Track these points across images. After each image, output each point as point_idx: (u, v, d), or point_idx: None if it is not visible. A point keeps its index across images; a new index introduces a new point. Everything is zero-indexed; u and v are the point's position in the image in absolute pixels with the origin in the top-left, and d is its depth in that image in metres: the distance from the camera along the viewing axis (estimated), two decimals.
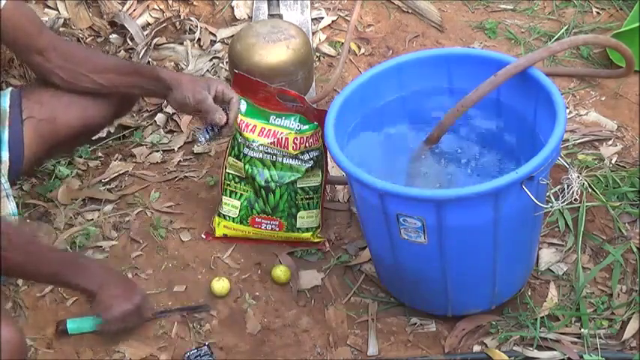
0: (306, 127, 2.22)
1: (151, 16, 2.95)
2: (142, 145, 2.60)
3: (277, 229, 2.29)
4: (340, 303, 2.20)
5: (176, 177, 2.51)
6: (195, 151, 2.58)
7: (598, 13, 2.95)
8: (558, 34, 2.86)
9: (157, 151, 2.59)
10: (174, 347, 2.11)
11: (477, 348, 2.07)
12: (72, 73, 2.10)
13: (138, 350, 2.09)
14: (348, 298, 2.21)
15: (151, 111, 2.69)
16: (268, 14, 2.70)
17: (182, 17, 2.94)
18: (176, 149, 2.59)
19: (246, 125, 2.22)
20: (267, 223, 2.29)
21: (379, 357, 2.09)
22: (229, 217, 2.30)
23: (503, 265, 1.99)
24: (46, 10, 2.86)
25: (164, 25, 2.89)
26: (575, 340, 2.06)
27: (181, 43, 2.89)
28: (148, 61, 2.77)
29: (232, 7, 2.97)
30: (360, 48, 2.88)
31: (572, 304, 2.13)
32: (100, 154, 2.58)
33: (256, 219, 2.29)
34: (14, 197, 2.06)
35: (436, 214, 1.84)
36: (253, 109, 2.23)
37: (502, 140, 2.10)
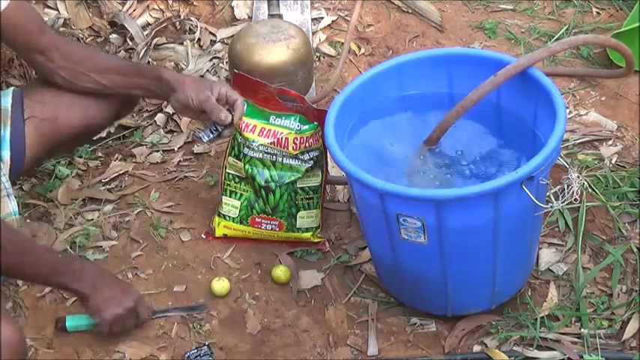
0: (306, 127, 2.22)
1: (151, 16, 2.95)
2: (142, 145, 2.60)
3: (277, 229, 2.29)
4: (340, 303, 2.20)
5: (176, 177, 2.51)
6: (195, 151, 2.58)
7: (598, 13, 2.95)
8: (558, 34, 2.86)
9: (157, 151, 2.59)
10: (174, 347, 2.11)
11: (477, 348, 2.07)
12: (74, 73, 2.10)
13: (138, 350, 2.09)
14: (348, 298, 2.21)
15: (151, 111, 2.69)
16: (268, 14, 2.70)
17: (182, 17, 2.94)
18: (176, 149, 2.59)
19: (246, 125, 2.22)
20: (267, 223, 2.29)
21: (379, 357, 2.09)
22: (229, 217, 2.30)
23: (503, 265, 1.99)
24: (46, 10, 2.86)
25: (164, 25, 2.90)
26: (575, 340, 2.06)
27: (181, 43, 2.89)
28: (148, 61, 2.77)
29: (232, 7, 2.97)
30: (360, 48, 2.88)
31: (572, 304, 2.13)
32: (100, 154, 2.58)
33: (256, 219, 2.29)
34: (14, 197, 2.07)
35: (436, 214, 1.84)
36: (253, 109, 2.23)
37: (502, 140, 2.10)
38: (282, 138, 2.21)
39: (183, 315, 2.16)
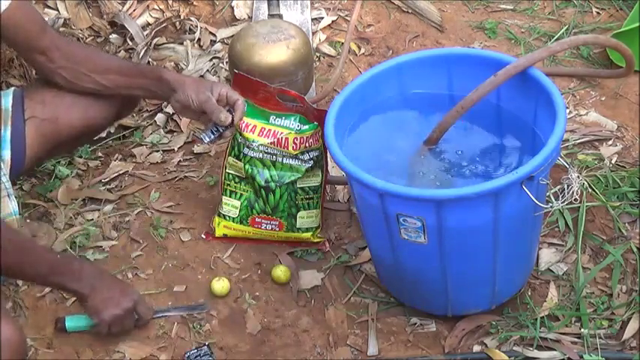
0: (306, 127, 2.22)
1: (151, 16, 2.95)
2: (142, 145, 2.60)
3: (277, 229, 2.29)
4: (340, 303, 2.20)
5: (176, 177, 2.51)
6: (195, 151, 2.58)
7: (598, 13, 2.95)
8: (558, 34, 2.86)
9: (157, 151, 2.59)
10: (174, 347, 2.11)
11: (477, 348, 2.07)
12: (74, 73, 2.10)
13: (138, 350, 2.09)
14: (348, 298, 2.21)
15: (151, 111, 2.69)
16: (268, 14, 2.70)
17: (182, 17, 2.94)
18: (176, 149, 2.59)
19: (246, 125, 2.22)
20: (267, 223, 2.29)
21: (379, 357, 2.09)
22: (229, 217, 2.30)
23: (503, 265, 1.99)
24: (46, 10, 2.86)
25: (164, 25, 2.90)
26: (575, 340, 2.06)
27: (181, 43, 2.89)
28: (148, 62, 2.77)
29: (232, 7, 2.97)
30: (360, 48, 2.88)
31: (572, 304, 2.13)
32: (100, 154, 2.58)
33: (256, 219, 2.29)
34: (15, 197, 2.06)
35: (436, 214, 1.84)
36: (253, 109, 2.23)
37: (502, 140, 2.10)
38: (282, 138, 2.21)
39: (183, 315, 2.16)
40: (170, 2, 2.98)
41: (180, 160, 2.56)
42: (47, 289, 2.20)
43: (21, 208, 2.18)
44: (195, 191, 2.47)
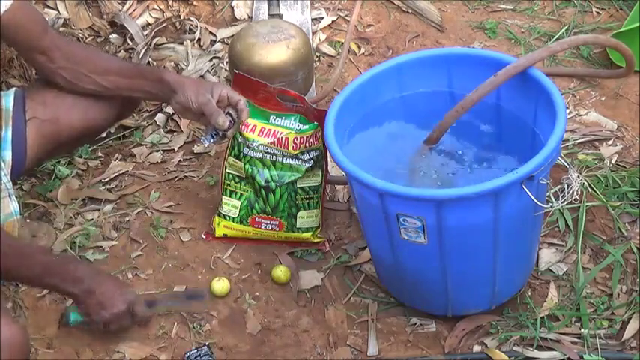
0: (306, 127, 2.22)
1: (151, 16, 2.95)
2: (142, 145, 2.60)
3: (277, 229, 2.29)
4: (340, 303, 2.20)
5: (176, 177, 2.51)
6: (195, 151, 2.58)
7: (598, 13, 2.95)
8: (558, 34, 2.86)
9: (157, 151, 2.59)
10: (174, 347, 2.11)
11: (477, 348, 2.07)
12: (75, 74, 2.10)
13: (138, 350, 2.10)
14: (348, 298, 2.21)
15: (151, 111, 2.69)
16: (268, 14, 2.70)
17: (182, 17, 2.94)
18: (176, 149, 2.59)
19: (246, 125, 2.22)
20: (267, 223, 2.29)
21: (379, 357, 2.09)
22: (229, 217, 2.30)
23: (503, 265, 1.99)
24: (46, 10, 2.86)
25: (164, 25, 2.90)
26: (575, 340, 2.06)
27: (181, 43, 2.89)
28: (148, 62, 2.77)
29: (232, 7, 2.97)
30: (360, 48, 2.88)
31: (572, 304, 2.13)
32: (100, 154, 2.58)
33: (256, 219, 2.29)
34: (15, 197, 2.07)
35: (436, 214, 1.84)
36: (253, 109, 2.22)
37: (502, 140, 2.10)
38: (282, 138, 2.21)
39: (182, 305, 2.15)
40: (170, 2, 2.98)
41: (180, 160, 2.56)
42: (47, 290, 2.20)
43: (21, 208, 2.18)
44: (195, 191, 2.47)
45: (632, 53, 2.23)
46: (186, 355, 2.07)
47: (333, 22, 2.95)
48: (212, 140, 2.14)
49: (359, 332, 2.14)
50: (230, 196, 2.29)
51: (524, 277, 2.15)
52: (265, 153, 2.23)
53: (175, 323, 2.15)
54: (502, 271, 2.01)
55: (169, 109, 2.66)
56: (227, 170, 2.28)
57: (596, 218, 2.29)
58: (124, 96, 2.19)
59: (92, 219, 2.38)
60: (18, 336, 1.70)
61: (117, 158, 2.56)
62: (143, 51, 2.77)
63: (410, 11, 2.98)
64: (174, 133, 2.64)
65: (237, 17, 2.96)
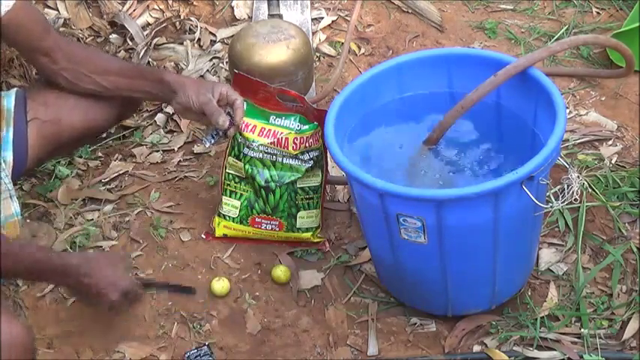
0: (306, 127, 2.22)
1: (151, 16, 2.95)
2: (142, 145, 2.60)
3: (277, 229, 2.29)
4: (340, 303, 2.20)
5: (176, 177, 2.51)
6: (195, 151, 2.58)
7: (598, 13, 2.95)
8: (558, 34, 2.86)
9: (157, 151, 2.59)
10: (174, 347, 2.11)
11: (477, 348, 2.07)
12: (75, 74, 2.10)
13: (138, 350, 2.10)
14: (348, 298, 2.21)
15: (151, 111, 2.69)
16: (268, 14, 2.70)
17: (182, 17, 2.94)
18: (176, 149, 2.59)
19: (246, 125, 2.22)
20: (267, 223, 2.29)
21: (379, 357, 2.09)
22: (229, 217, 2.30)
23: (503, 265, 1.99)
24: (46, 10, 2.86)
25: (164, 25, 2.90)
26: (575, 340, 2.06)
27: (181, 43, 2.89)
28: (148, 62, 2.77)
29: (232, 7, 2.97)
30: (360, 48, 2.88)
31: (572, 304, 2.13)
32: (100, 154, 2.58)
33: (256, 219, 2.29)
34: (16, 198, 2.07)
35: (436, 214, 1.84)
36: (253, 109, 2.23)
37: (502, 140, 2.10)
38: (282, 138, 2.21)
39: (170, 291, 2.16)
40: (170, 2, 2.98)
41: (180, 160, 2.56)
42: (47, 289, 2.20)
43: (21, 208, 2.18)
44: (195, 191, 2.47)
45: (632, 53, 2.23)
46: (186, 355, 2.07)
47: (333, 22, 2.95)
48: (213, 140, 2.14)
49: (359, 332, 2.14)
50: (230, 196, 2.29)
51: (524, 277, 2.15)
52: (265, 153, 2.23)
53: (175, 323, 2.15)
54: (502, 271, 2.01)
55: (169, 109, 2.66)
56: (227, 170, 2.28)
57: (596, 218, 2.29)
58: (125, 96, 2.19)
59: (92, 219, 2.38)
60: (25, 335, 1.70)
61: (117, 158, 2.56)
62: (143, 51, 2.77)
63: (410, 11, 2.98)
64: (174, 133, 2.64)
65: (237, 17, 2.96)
